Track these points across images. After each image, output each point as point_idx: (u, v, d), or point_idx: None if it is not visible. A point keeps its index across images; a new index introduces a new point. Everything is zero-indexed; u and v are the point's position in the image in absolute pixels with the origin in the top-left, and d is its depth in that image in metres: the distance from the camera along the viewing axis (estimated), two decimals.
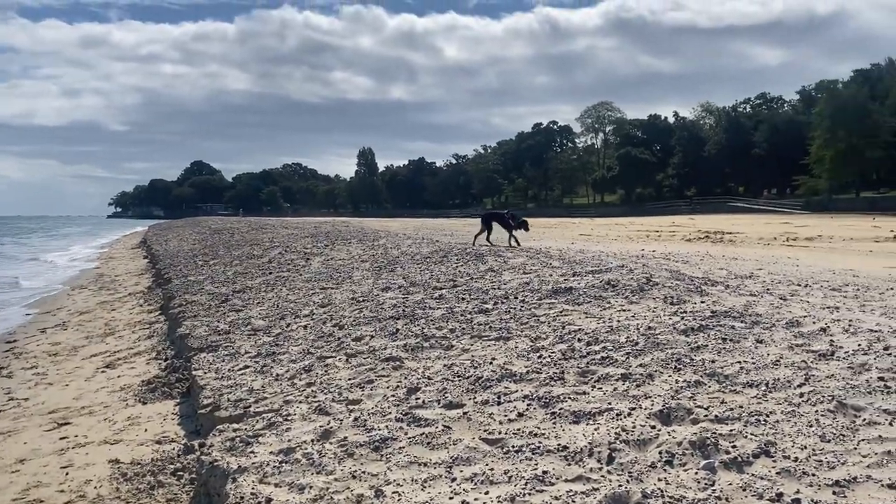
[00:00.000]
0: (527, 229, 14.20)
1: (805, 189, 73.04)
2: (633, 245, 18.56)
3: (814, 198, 68.27)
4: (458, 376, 5.41)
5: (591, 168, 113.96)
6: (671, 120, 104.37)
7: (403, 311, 7.97)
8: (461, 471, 3.83)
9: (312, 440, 4.52)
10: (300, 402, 5.43)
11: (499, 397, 4.84)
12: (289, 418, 5.06)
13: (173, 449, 5.83)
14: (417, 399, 5.04)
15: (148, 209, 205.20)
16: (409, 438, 4.33)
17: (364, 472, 3.95)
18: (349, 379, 5.83)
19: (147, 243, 36.35)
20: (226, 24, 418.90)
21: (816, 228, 29.46)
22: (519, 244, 13.86)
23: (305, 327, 8.11)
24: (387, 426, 4.57)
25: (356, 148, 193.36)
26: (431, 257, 12.14)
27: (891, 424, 3.84)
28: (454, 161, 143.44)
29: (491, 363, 5.61)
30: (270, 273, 13.32)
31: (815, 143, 69.76)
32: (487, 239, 14.44)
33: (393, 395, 5.21)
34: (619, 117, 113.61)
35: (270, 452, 4.42)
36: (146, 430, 6.47)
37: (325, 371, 6.21)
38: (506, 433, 4.24)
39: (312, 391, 5.67)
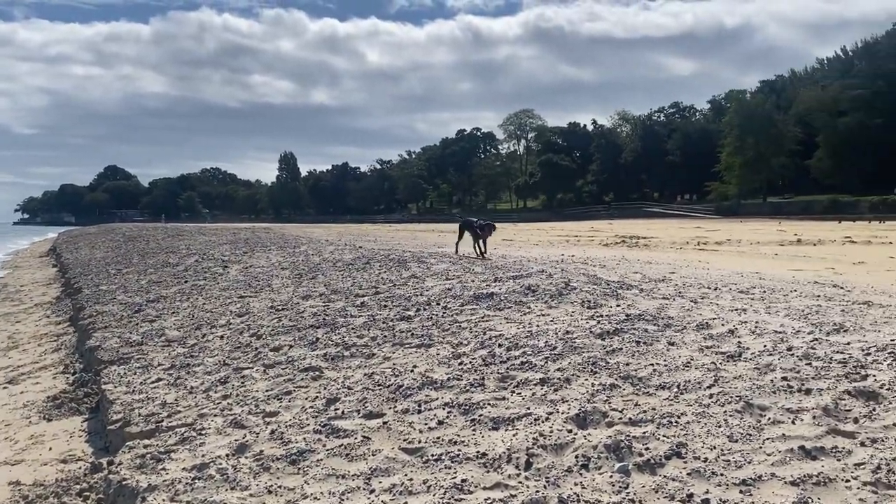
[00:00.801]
0: (493, 230, 13.83)
1: (716, 194, 76.12)
2: (554, 250, 18.88)
3: (724, 203, 71.24)
4: (379, 385, 5.36)
5: (514, 174, 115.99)
6: (590, 128, 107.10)
7: (324, 319, 7.86)
8: (380, 482, 3.79)
9: (227, 455, 4.40)
10: (215, 415, 5.28)
11: (419, 405, 4.82)
12: (203, 432, 4.91)
13: (80, 468, 5.57)
14: (337, 409, 4.97)
15: (58, 215, 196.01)
16: (328, 450, 4.26)
17: (280, 487, 3.86)
18: (266, 390, 5.70)
19: (56, 251, 34.71)
20: (140, 24, 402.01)
21: (726, 232, 30.70)
22: (484, 254, 13.46)
23: (222, 337, 7.90)
24: (304, 438, 4.48)
25: (277, 153, 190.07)
26: (354, 264, 12.03)
27: (793, 423, 4.00)
28: (378, 166, 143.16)
29: (412, 371, 5.58)
30: (186, 282, 12.94)
31: (725, 151, 72.91)
32: (475, 245, 13.78)
33: (311, 407, 5.13)
34: (541, 125, 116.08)
35: (183, 469, 4.28)
36: (51, 448, 6.16)
37: (242, 383, 6.06)
38: (425, 442, 4.22)
39: (228, 404, 5.52)
